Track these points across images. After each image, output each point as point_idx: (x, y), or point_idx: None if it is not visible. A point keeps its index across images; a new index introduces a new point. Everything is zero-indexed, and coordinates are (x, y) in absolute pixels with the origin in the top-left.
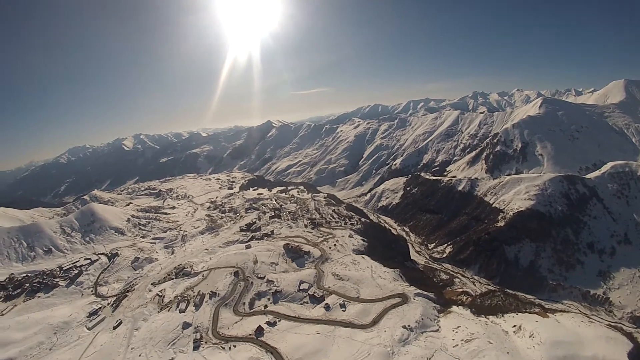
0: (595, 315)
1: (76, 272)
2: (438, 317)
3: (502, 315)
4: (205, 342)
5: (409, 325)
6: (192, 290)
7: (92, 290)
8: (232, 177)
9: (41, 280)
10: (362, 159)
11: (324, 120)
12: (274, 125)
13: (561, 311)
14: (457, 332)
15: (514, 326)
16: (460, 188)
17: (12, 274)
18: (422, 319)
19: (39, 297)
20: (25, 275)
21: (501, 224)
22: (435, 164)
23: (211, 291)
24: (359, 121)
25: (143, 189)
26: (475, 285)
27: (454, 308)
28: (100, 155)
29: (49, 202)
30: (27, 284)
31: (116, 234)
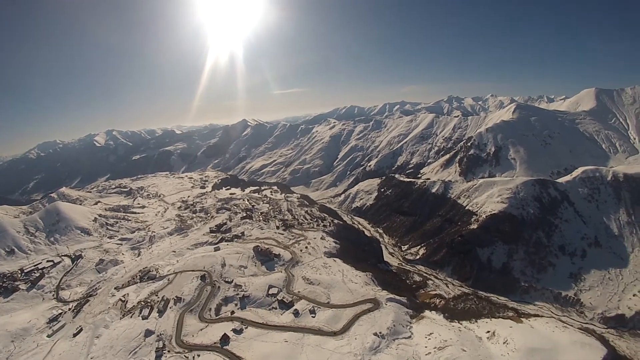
0: (567, 317)
1: (38, 275)
2: (410, 323)
3: (476, 321)
4: (168, 351)
5: (380, 332)
6: (157, 295)
7: (53, 295)
8: (205, 176)
9: (1, 284)
10: (337, 160)
11: (300, 120)
12: (249, 124)
13: (535, 315)
14: (430, 339)
15: (488, 332)
16: (434, 190)
17: None
18: (394, 325)
19: None
20: None
21: (474, 226)
22: (410, 166)
23: (176, 296)
24: (334, 122)
25: (114, 187)
26: (448, 287)
27: (427, 313)
28: (71, 151)
29: (17, 199)
30: None
31: (82, 234)
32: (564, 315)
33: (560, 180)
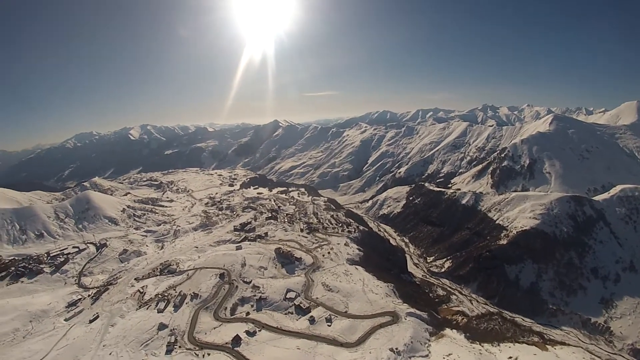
0: (595, 345)
1: (62, 259)
2: (429, 341)
3: (498, 344)
4: (179, 347)
5: (396, 349)
6: (175, 290)
7: (75, 280)
8: (234, 174)
9: (27, 265)
10: (367, 165)
11: (331, 123)
12: (280, 125)
13: (561, 343)
14: None
15: (510, 358)
16: (464, 201)
17: (0, 256)
18: (412, 342)
19: (22, 282)
20: (12, 258)
21: (504, 241)
22: (440, 175)
23: (193, 292)
24: (366, 126)
25: (145, 179)
26: (472, 304)
27: (448, 331)
28: (106, 143)
29: (52, 186)
30: (13, 268)
31: (109, 223)
32: (592, 344)
33: (596, 198)
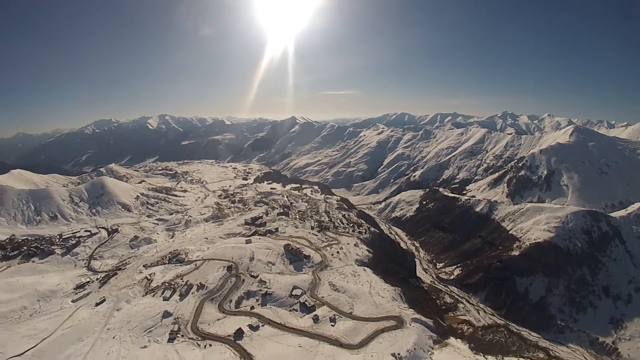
0: None
1: (74, 242)
2: (432, 349)
3: (503, 358)
4: (182, 336)
5: (399, 354)
6: (182, 279)
7: (85, 263)
8: (249, 168)
9: (39, 246)
10: (382, 167)
11: (348, 122)
12: (297, 121)
13: None
14: None
15: None
16: (478, 209)
17: (14, 235)
18: (415, 349)
19: (33, 261)
20: (25, 238)
21: (516, 252)
22: (456, 181)
23: (200, 283)
24: (383, 127)
25: (160, 168)
26: (479, 314)
27: (452, 340)
28: (124, 131)
29: (69, 170)
30: (25, 247)
31: (122, 209)
32: None
33: (613, 214)
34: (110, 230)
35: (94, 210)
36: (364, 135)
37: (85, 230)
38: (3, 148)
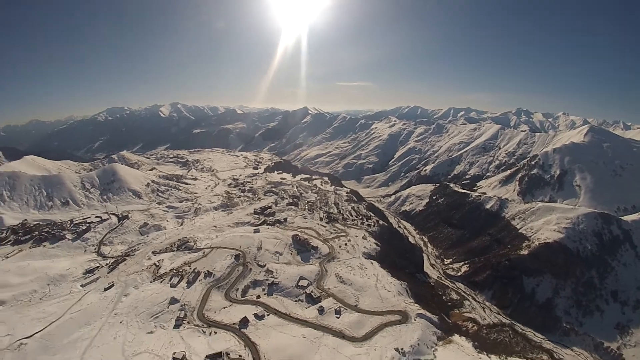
0: None
1: (85, 227)
2: (436, 345)
3: (506, 358)
4: (188, 322)
5: (402, 349)
6: (189, 266)
7: (95, 248)
8: (260, 158)
9: (50, 230)
10: (393, 160)
11: (361, 114)
12: (310, 112)
13: None
14: None
15: None
16: (488, 206)
17: (26, 220)
18: (419, 344)
19: (44, 246)
20: (37, 223)
21: (524, 252)
22: (467, 177)
23: (207, 270)
24: (395, 120)
25: (171, 156)
26: (485, 312)
27: (456, 338)
28: (136, 118)
29: (81, 157)
30: (37, 232)
31: (133, 196)
32: None
33: (625, 218)
34: (120, 216)
35: (104, 197)
36: (376, 127)
37: (96, 216)
38: (17, 135)
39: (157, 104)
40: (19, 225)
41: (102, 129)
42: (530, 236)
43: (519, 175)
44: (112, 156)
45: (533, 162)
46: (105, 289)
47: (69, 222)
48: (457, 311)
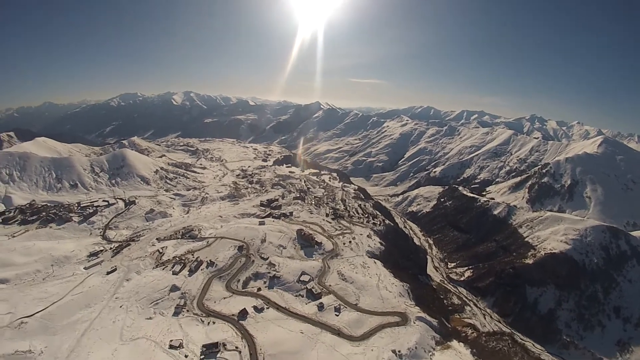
0: None
1: (91, 211)
2: (434, 349)
3: None
4: (187, 311)
5: (399, 351)
6: (192, 255)
7: (100, 232)
8: (269, 150)
9: (57, 212)
10: (403, 159)
11: (373, 112)
12: (322, 107)
13: None
14: None
15: None
16: (496, 212)
17: (34, 200)
18: (416, 347)
19: (50, 227)
20: (45, 204)
21: (529, 261)
22: (476, 181)
23: (210, 260)
24: (407, 120)
25: (181, 144)
26: (485, 319)
27: (454, 343)
28: (149, 105)
29: (93, 141)
30: (44, 213)
31: (141, 182)
32: None
33: (634, 233)
34: (127, 201)
35: (113, 181)
36: (388, 125)
37: (103, 200)
38: (30, 116)
39: (170, 92)
40: (27, 206)
41: (115, 114)
42: (537, 245)
43: (529, 182)
44: (123, 141)
45: (544, 171)
46: (108, 273)
47: (77, 204)
48: (458, 316)
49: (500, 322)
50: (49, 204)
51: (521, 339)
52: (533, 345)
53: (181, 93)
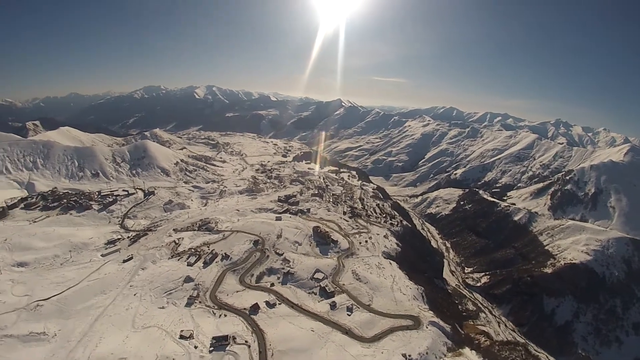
0: None
1: (111, 200)
2: (445, 356)
3: None
4: (200, 302)
5: (409, 355)
6: (208, 247)
7: (119, 221)
8: (289, 146)
9: (78, 200)
10: (423, 160)
11: (394, 111)
12: (343, 104)
13: None
14: None
15: None
16: (516, 218)
17: (56, 187)
18: (427, 353)
19: (70, 214)
20: (66, 191)
21: (548, 270)
22: (497, 185)
23: (225, 253)
24: (429, 120)
25: (202, 137)
26: (500, 327)
27: (466, 351)
28: (172, 98)
29: (116, 131)
30: (65, 200)
31: (161, 173)
32: None
33: None
34: (146, 192)
35: (133, 172)
36: (409, 125)
37: (123, 190)
38: (56, 106)
39: (193, 85)
40: (49, 192)
41: (138, 106)
42: (557, 254)
43: (552, 189)
44: (145, 133)
45: (568, 177)
46: (124, 261)
47: (97, 193)
48: (472, 322)
49: (514, 331)
50: (70, 192)
51: (535, 350)
52: (547, 357)
53: (204, 87)
